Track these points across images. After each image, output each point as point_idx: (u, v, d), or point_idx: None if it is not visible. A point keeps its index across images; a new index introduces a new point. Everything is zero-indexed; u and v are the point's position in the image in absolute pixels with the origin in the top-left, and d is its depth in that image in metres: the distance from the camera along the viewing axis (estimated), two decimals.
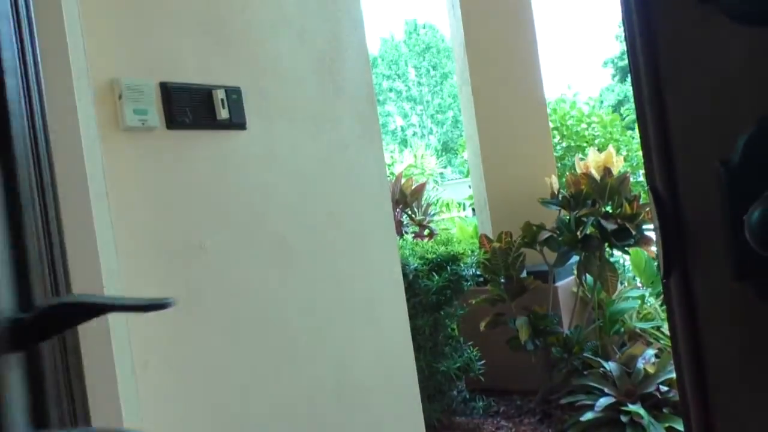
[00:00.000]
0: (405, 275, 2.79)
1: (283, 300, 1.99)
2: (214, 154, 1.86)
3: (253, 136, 1.97)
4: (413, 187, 5.90)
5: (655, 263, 4.53)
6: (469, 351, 3.45)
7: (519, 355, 3.58)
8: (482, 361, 3.47)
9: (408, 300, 2.63)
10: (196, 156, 1.80)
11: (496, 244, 3.71)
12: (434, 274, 3.28)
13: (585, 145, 5.23)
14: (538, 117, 4.37)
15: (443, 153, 33.27)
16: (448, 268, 3.33)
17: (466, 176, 5.94)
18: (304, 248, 2.09)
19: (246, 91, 1.95)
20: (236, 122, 1.91)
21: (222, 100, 1.85)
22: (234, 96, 1.91)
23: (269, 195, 2.01)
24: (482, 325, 3.62)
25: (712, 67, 0.47)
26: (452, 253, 3.39)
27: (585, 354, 3.52)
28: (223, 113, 1.85)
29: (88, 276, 1.39)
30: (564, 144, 5.28)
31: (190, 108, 1.79)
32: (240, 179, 1.92)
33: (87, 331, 1.45)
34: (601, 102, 5.85)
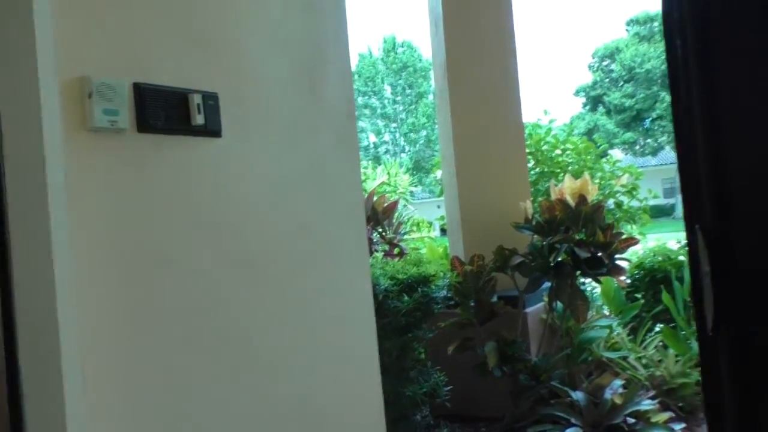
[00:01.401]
0: (375, 295, 2.72)
1: (248, 316, 1.91)
2: (186, 161, 1.77)
3: (227, 144, 1.89)
4: (385, 205, 5.84)
5: (623, 292, 4.54)
6: (436, 376, 3.38)
7: (486, 382, 3.53)
8: (449, 387, 3.40)
9: (376, 321, 2.56)
10: (166, 162, 1.72)
11: (468, 267, 3.67)
12: (405, 295, 3.22)
13: (558, 171, 5.25)
14: (515, 141, 4.38)
15: (415, 172, 33.44)
16: (419, 289, 3.27)
17: (439, 195, 5.92)
18: (273, 263, 2.01)
19: (223, 97, 1.87)
20: (211, 129, 1.83)
21: (198, 105, 1.77)
22: (211, 102, 1.83)
23: (241, 206, 1.93)
24: (450, 349, 3.57)
25: None
26: (424, 274, 3.33)
27: (552, 382, 3.49)
28: (199, 119, 1.77)
29: (39, 286, 1.29)
30: (538, 169, 5.30)
31: (164, 111, 1.71)
32: (211, 188, 1.84)
33: (36, 346, 1.34)
34: (572, 130, 5.91)
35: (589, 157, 5.34)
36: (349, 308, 2.33)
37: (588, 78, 39.79)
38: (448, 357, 3.54)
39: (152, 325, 1.63)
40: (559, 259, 3.50)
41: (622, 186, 5.20)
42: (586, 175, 3.72)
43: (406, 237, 6.25)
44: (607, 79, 38.78)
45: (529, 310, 3.88)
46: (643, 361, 4.11)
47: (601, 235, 3.49)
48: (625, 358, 3.98)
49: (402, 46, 41.51)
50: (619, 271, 3.51)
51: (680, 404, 3.84)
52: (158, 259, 1.66)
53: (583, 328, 3.86)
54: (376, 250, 5.08)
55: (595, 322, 4.05)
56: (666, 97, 34.77)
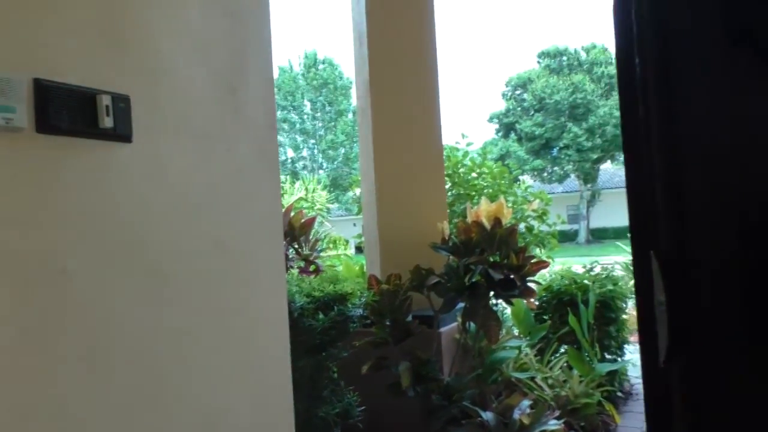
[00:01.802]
0: (290, 313, 2.64)
1: (155, 335, 1.78)
2: (91, 166, 1.64)
3: (138, 151, 1.77)
4: (302, 221, 5.76)
5: (532, 314, 4.68)
6: (349, 396, 3.32)
7: (399, 402, 3.51)
8: (362, 407, 3.35)
9: (291, 339, 2.48)
10: (68, 166, 1.58)
11: (385, 286, 3.66)
12: (320, 313, 3.15)
13: (474, 194, 5.37)
14: (434, 162, 4.43)
15: (332, 189, 33.39)
16: (335, 308, 3.21)
17: (357, 213, 5.90)
18: (183, 278, 1.90)
19: (136, 100, 1.76)
20: (121, 133, 1.71)
21: (107, 106, 1.65)
22: (122, 104, 1.71)
23: (150, 217, 1.81)
24: (364, 368, 3.52)
25: (740, 117, 0.42)
26: (341, 292, 3.28)
27: (464, 402, 3.51)
28: (107, 121, 1.65)
29: None
30: (455, 191, 5.40)
31: (69, 111, 1.58)
32: (118, 197, 1.72)
33: None
34: (486, 154, 6.07)
35: (503, 181, 5.50)
36: (263, 326, 2.24)
37: (501, 105, 41.43)
38: (362, 376, 3.49)
39: (45, 341, 1.48)
40: (474, 280, 3.55)
41: (534, 211, 5.38)
42: (502, 198, 3.81)
43: (322, 254, 6.18)
44: (519, 108, 40.46)
45: (443, 329, 3.90)
46: (549, 381, 4.23)
47: (515, 258, 3.58)
48: (532, 379, 4.07)
49: (323, 63, 41.58)
50: (530, 293, 3.60)
51: (582, 423, 3.97)
52: (55, 270, 1.52)
53: (494, 348, 3.93)
54: (292, 267, 4.98)
55: (505, 342, 4.13)
56: (573, 127, 36.71)
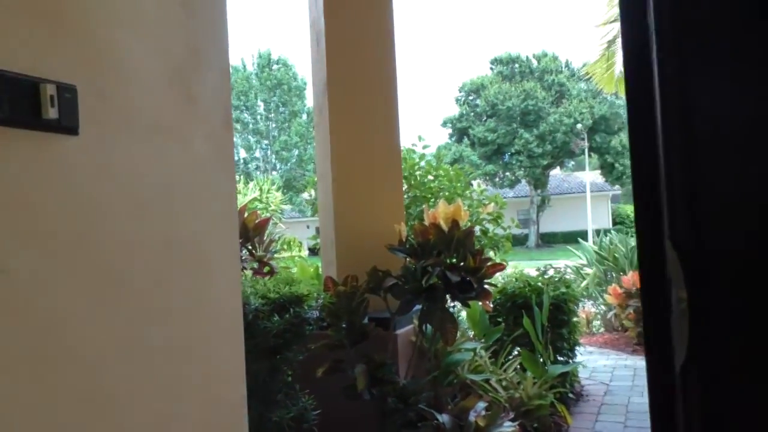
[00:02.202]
0: (244, 315, 2.56)
1: (102, 337, 1.69)
2: (33, 160, 1.54)
3: (85, 144, 1.68)
4: (256, 222, 5.66)
5: (487, 316, 4.70)
6: (304, 400, 3.26)
7: (355, 405, 3.46)
8: (317, 411, 3.29)
9: (245, 342, 2.40)
10: (8, 158, 1.48)
11: (341, 288, 3.61)
12: (276, 315, 3.08)
13: (430, 196, 5.37)
14: (391, 163, 4.41)
15: (285, 191, 33.08)
16: (291, 310, 3.14)
17: (313, 215, 5.82)
18: (132, 278, 1.81)
19: (83, 91, 1.66)
20: (66, 125, 1.61)
21: (52, 96, 1.55)
22: (67, 95, 1.61)
23: (97, 214, 1.71)
24: (320, 371, 3.47)
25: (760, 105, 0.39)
26: (297, 294, 3.21)
27: (420, 405, 3.49)
28: (51, 112, 1.55)
29: None
30: (411, 193, 5.39)
31: (8, 100, 1.47)
32: (63, 193, 1.62)
33: None
34: (441, 158, 6.09)
35: (459, 184, 5.52)
36: (217, 328, 2.16)
37: (455, 110, 41.93)
38: (317, 380, 3.43)
39: None
40: (431, 282, 3.53)
41: (489, 214, 5.42)
42: (459, 201, 3.81)
43: (276, 256, 6.08)
44: (472, 113, 41.03)
45: (399, 332, 3.88)
46: (504, 383, 4.26)
47: (472, 260, 3.58)
48: (487, 381, 4.09)
49: (277, 63, 41.19)
50: (487, 295, 3.61)
51: (535, 425, 4.01)
52: None
53: (449, 350, 3.92)
54: (245, 268, 4.88)
55: (460, 344, 4.13)
56: (524, 134, 37.42)
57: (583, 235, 24.30)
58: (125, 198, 1.81)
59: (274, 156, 42.48)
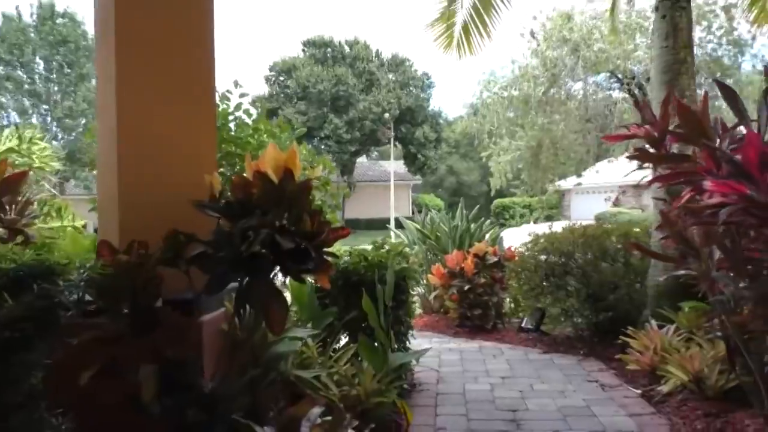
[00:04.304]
0: None
1: None
2: None
3: None
4: (6, 176, 4.24)
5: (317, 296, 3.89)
6: (55, 422, 2.17)
7: (139, 421, 2.44)
8: None
9: None
10: None
11: (123, 257, 2.55)
12: (5, 294, 1.95)
13: (250, 153, 4.39)
14: (200, 102, 3.37)
15: (68, 164, 29.01)
16: (36, 286, 2.03)
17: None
18: None
19: None
20: None
21: None
22: None
23: None
24: (85, 376, 2.39)
25: None
26: (46, 263, 2.10)
27: (234, 416, 2.58)
28: None
29: None
30: (224, 148, 4.36)
31: None
32: None
33: None
34: (263, 109, 5.15)
35: (286, 141, 4.62)
36: None
37: (265, 90, 40.36)
38: (82, 389, 2.35)
39: None
40: (254, 250, 2.61)
41: (317, 179, 4.61)
42: (295, 145, 2.93)
43: (37, 221, 4.66)
44: (283, 94, 39.84)
45: (206, 317, 2.91)
46: (335, 377, 3.50)
47: (309, 222, 2.74)
48: (317, 377, 3.29)
49: (63, 17, 36.08)
50: (326, 268, 2.79)
51: (373, 425, 3.29)
52: None
53: (272, 341, 3.04)
54: None
55: (286, 332, 3.27)
56: (334, 119, 37.30)
57: (386, 222, 24.75)
58: None
59: (55, 123, 37.28)
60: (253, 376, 2.89)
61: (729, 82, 16.80)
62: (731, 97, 3.30)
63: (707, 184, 3.06)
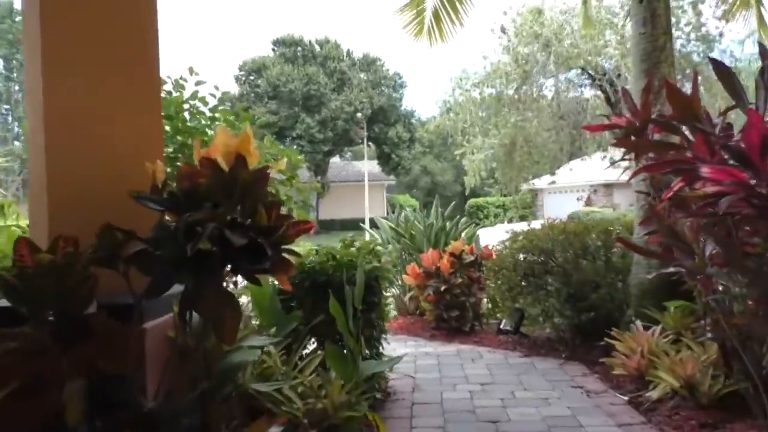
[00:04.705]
0: None
1: None
2: None
3: None
4: None
5: (280, 299, 3.56)
6: None
7: None
8: None
9: None
10: None
11: (46, 256, 2.19)
12: None
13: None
14: (143, 89, 3.01)
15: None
16: None
17: None
18: None
19: None
20: None
21: None
22: None
23: None
24: (0, 395, 2.03)
25: None
26: None
27: None
28: None
29: None
30: (179, 139, 4.00)
31: None
32: None
33: None
34: (222, 99, 4.80)
35: (245, 125, 4.26)
36: None
37: (234, 89, 39.66)
38: None
39: None
40: (201, 247, 2.27)
41: (280, 172, 4.27)
42: (248, 128, 2.59)
43: None
44: (253, 94, 39.23)
45: (149, 324, 2.56)
46: (300, 389, 3.17)
47: (265, 216, 2.41)
48: (279, 390, 2.96)
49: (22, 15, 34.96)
50: (286, 267, 2.47)
51: None
52: None
53: (227, 350, 2.70)
54: None
55: (242, 341, 2.93)
56: (306, 118, 36.82)
57: (361, 223, 24.39)
58: None
59: (17, 123, 36.14)
60: (205, 391, 2.55)
61: (699, 78, 16.85)
62: (727, 76, 3.06)
63: (704, 171, 2.81)
